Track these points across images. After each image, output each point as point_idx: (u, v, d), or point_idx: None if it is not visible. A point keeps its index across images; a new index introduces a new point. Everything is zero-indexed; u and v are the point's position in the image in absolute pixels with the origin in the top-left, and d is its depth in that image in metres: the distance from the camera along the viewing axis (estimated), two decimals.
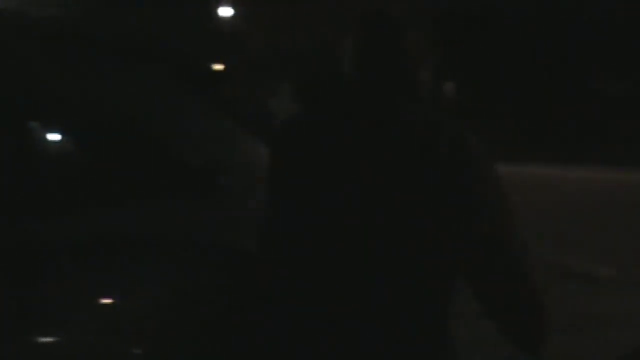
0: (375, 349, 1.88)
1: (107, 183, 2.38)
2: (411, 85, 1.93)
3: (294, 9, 27.34)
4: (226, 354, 2.31)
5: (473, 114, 20.80)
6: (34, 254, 2.19)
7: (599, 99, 26.57)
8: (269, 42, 28.37)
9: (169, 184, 2.45)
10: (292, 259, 1.95)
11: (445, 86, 23.65)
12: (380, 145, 1.87)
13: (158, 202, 2.41)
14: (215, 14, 28.35)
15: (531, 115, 25.38)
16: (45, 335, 2.14)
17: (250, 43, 28.09)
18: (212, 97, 2.83)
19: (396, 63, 1.92)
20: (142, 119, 2.52)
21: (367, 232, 1.86)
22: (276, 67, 28.84)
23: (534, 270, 1.86)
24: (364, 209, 1.86)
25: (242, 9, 28.35)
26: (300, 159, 1.95)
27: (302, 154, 1.95)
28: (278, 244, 1.99)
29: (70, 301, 2.17)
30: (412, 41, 1.92)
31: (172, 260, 2.33)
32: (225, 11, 28.64)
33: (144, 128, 2.50)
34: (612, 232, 8.92)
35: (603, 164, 19.84)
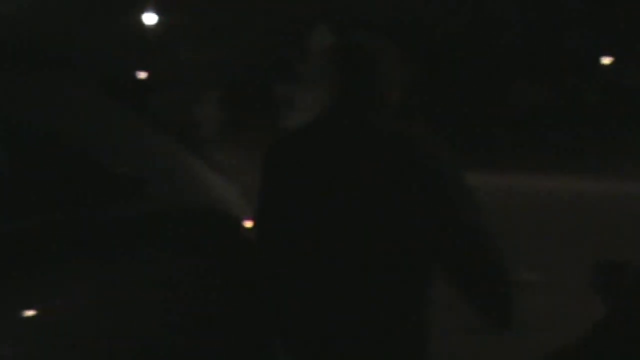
0: (364, 334, 2.17)
1: (30, 193, 2.35)
2: (387, 104, 2.26)
3: (219, 17, 27.26)
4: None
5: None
6: None
7: (518, 107, 27.12)
8: (194, 50, 28.22)
9: (94, 193, 2.43)
10: (288, 256, 2.24)
11: None
12: (365, 157, 2.16)
13: (85, 210, 2.39)
14: (140, 21, 28.08)
15: (455, 122, 25.77)
16: None
17: (175, 51, 27.89)
18: (137, 105, 2.82)
19: (373, 87, 2.24)
20: (65, 129, 2.49)
21: (356, 231, 2.14)
22: (201, 74, 28.69)
23: (500, 253, 2.17)
24: (353, 211, 2.14)
25: (167, 16, 28.15)
26: (296, 169, 2.23)
27: (296, 166, 2.24)
28: (277, 241, 2.27)
29: None
30: (387, 67, 2.25)
31: (100, 270, 2.31)
32: (150, 18, 28.39)
33: (67, 138, 2.48)
34: (535, 237, 9.11)
35: (527, 170, 20.25)
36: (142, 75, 27.37)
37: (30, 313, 2.21)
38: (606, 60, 28.37)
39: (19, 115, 2.41)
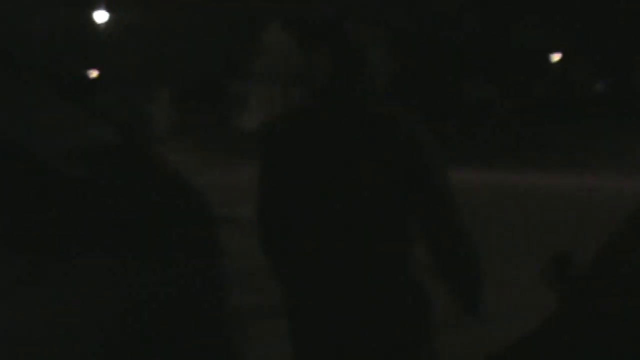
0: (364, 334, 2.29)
1: None
2: (374, 88, 2.41)
3: (170, 14, 27.09)
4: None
5: None
6: None
7: (470, 103, 27.36)
8: (146, 48, 28.01)
9: (44, 195, 2.40)
10: (288, 247, 2.40)
11: None
12: (354, 135, 2.31)
13: (37, 215, 2.36)
14: (90, 19, 27.80)
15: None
16: None
17: (126, 49, 27.66)
18: (88, 104, 2.79)
19: (363, 72, 2.39)
20: (9, 129, 2.46)
21: (348, 203, 2.29)
22: (153, 72, 28.49)
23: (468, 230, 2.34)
24: (344, 187, 2.30)
25: (118, 14, 27.91)
26: (288, 151, 2.37)
27: (288, 147, 2.37)
28: (274, 226, 2.44)
29: None
30: (375, 55, 2.41)
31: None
32: (100, 16, 28.11)
33: (12, 139, 2.44)
34: (482, 231, 9.19)
35: (474, 165, 20.44)
36: (92, 73, 27.09)
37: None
38: (555, 57, 28.72)
39: None
